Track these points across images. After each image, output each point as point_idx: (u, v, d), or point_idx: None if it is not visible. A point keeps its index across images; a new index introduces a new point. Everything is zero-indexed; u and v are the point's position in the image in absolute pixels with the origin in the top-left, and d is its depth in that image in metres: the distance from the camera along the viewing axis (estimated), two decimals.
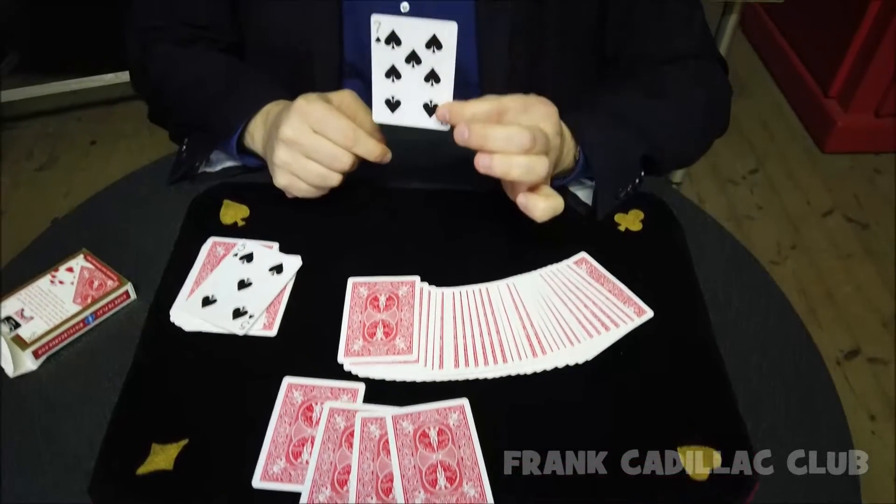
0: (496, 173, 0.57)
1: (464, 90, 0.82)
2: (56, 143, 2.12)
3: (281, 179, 0.66)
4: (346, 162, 0.64)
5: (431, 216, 0.72)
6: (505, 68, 0.79)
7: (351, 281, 0.64)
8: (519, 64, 0.79)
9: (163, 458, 0.52)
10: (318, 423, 0.54)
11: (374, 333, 0.60)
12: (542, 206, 0.60)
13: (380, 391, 0.56)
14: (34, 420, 0.55)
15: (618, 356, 0.59)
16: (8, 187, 1.96)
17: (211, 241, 0.67)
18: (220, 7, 0.82)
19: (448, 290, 0.64)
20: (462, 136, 0.57)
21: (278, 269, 0.65)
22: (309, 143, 0.63)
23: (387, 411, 0.54)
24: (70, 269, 0.63)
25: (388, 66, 0.59)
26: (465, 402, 0.55)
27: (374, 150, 0.64)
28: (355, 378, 0.57)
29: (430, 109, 0.60)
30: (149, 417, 0.54)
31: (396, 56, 0.58)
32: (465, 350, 0.59)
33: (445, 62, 0.58)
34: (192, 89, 0.76)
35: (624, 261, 0.67)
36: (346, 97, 0.66)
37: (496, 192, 0.73)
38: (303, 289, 0.64)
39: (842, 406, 0.57)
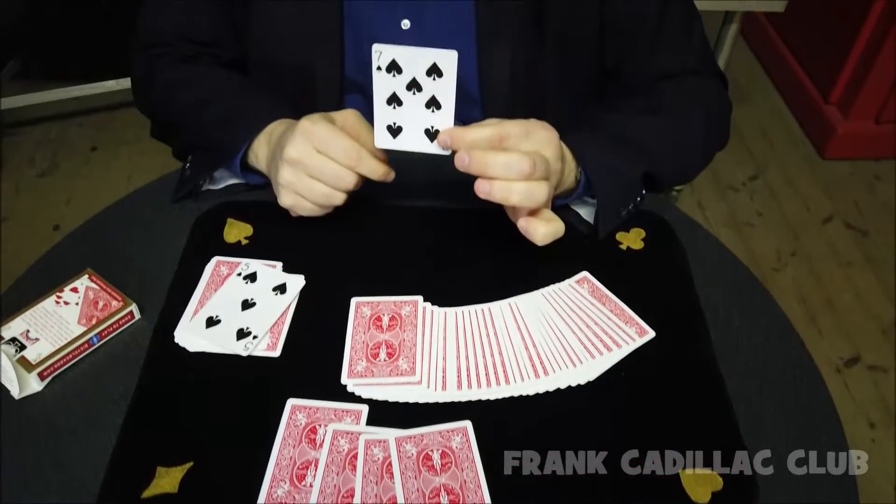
0: (496, 199, 0.58)
1: (464, 101, 0.82)
2: (57, 150, 2.12)
3: (286, 199, 0.66)
4: (350, 181, 0.64)
5: (434, 235, 0.72)
6: (505, 73, 0.79)
7: (354, 300, 0.65)
8: (519, 70, 0.79)
9: (168, 481, 0.52)
10: (321, 445, 0.54)
11: (378, 354, 0.60)
12: (543, 230, 0.60)
13: (383, 413, 0.57)
14: (39, 442, 0.55)
15: (619, 377, 0.60)
16: (9, 193, 1.96)
17: (215, 260, 0.68)
18: (221, 22, 0.82)
19: (451, 310, 0.64)
20: (463, 163, 0.58)
21: (282, 288, 0.65)
22: (313, 164, 0.63)
23: (390, 434, 0.55)
24: (75, 290, 0.63)
25: (389, 94, 0.59)
26: (467, 425, 0.55)
27: (377, 170, 0.65)
28: (359, 399, 0.57)
29: (431, 135, 0.61)
30: (153, 440, 0.55)
31: (397, 83, 0.59)
32: (468, 371, 0.59)
33: (446, 89, 0.58)
34: (196, 108, 0.76)
35: (625, 280, 0.67)
36: (349, 117, 0.66)
37: (499, 211, 0.73)
38: (306, 308, 0.64)
39: (844, 431, 0.57)
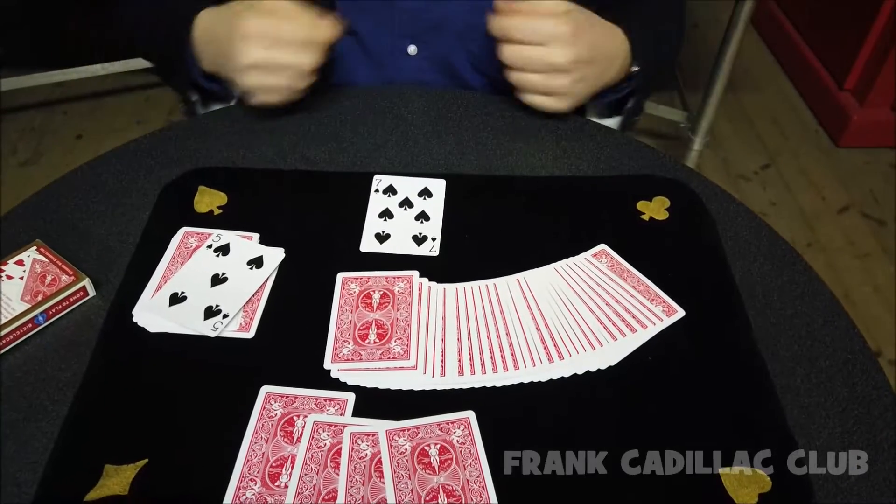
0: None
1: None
2: (41, 138, 2.04)
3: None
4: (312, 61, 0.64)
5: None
6: None
7: (340, 276, 0.57)
8: None
9: (116, 481, 0.44)
10: (299, 439, 0.46)
11: (367, 335, 0.53)
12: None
13: (372, 402, 0.49)
14: None
15: (646, 362, 0.52)
16: None
17: (182, 231, 0.60)
18: None
19: (450, 286, 0.56)
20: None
21: (258, 262, 0.57)
22: (278, 32, 0.62)
23: (380, 426, 0.47)
24: (20, 263, 0.55)
25: (382, 209, 0.62)
26: (470, 416, 0.48)
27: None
28: (344, 387, 0.49)
29: (418, 240, 0.60)
30: (102, 433, 0.47)
31: (391, 202, 0.63)
32: (471, 354, 0.52)
33: (436, 206, 0.63)
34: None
35: (648, 254, 0.60)
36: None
37: (504, 177, 0.66)
38: (285, 284, 0.56)
39: None
